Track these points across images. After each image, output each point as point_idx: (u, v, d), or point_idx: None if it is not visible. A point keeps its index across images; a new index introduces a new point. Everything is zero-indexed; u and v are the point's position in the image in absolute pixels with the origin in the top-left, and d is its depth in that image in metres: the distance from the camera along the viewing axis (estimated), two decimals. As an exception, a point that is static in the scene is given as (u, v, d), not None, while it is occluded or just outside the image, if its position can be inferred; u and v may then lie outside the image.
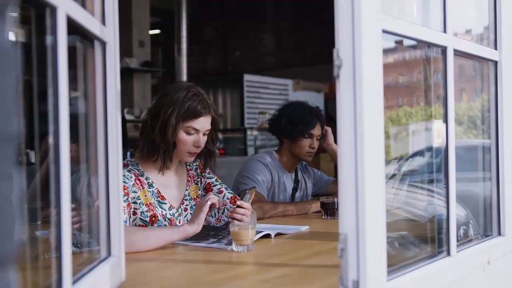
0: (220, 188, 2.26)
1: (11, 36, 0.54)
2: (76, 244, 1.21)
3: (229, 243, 1.82)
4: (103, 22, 1.26)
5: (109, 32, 1.28)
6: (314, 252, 1.81)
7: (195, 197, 2.23)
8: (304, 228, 2.23)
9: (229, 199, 2.23)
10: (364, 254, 1.08)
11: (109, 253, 1.28)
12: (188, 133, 2.05)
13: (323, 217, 2.53)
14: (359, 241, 1.08)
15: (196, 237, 1.97)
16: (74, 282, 1.02)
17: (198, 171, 2.27)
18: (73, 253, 0.99)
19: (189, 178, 2.23)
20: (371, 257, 1.09)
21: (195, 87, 2.09)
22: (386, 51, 1.18)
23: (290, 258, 1.71)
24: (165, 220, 2.08)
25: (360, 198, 1.08)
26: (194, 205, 2.19)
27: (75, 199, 1.05)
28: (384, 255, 1.14)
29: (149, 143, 2.06)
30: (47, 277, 1.02)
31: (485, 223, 1.75)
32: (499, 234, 1.70)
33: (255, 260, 1.69)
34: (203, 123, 2.06)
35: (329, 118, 4.55)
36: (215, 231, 2.04)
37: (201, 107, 2.04)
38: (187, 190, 2.20)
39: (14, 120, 0.53)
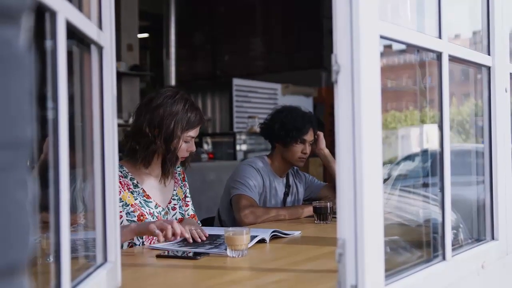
0: (189, 201, 2.38)
1: (26, 43, 0.54)
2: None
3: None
4: (100, 26, 1.26)
5: (105, 36, 1.27)
6: (309, 257, 1.81)
7: (182, 197, 2.32)
8: (297, 233, 2.22)
9: (189, 215, 2.34)
10: (362, 259, 1.08)
11: (105, 259, 1.27)
12: (186, 142, 2.16)
13: (315, 221, 2.53)
14: (358, 246, 1.08)
15: (193, 244, 1.95)
16: (72, 288, 1.01)
17: (181, 177, 2.36)
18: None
19: (176, 180, 2.32)
20: (369, 262, 1.09)
21: (186, 95, 2.19)
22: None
23: (286, 263, 1.71)
24: (153, 218, 2.13)
25: (359, 203, 1.08)
26: (182, 205, 2.29)
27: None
28: (382, 259, 1.14)
29: (151, 153, 2.12)
30: (44, 283, 1.01)
31: (479, 227, 1.76)
32: (493, 238, 1.71)
33: (250, 265, 1.69)
34: (198, 130, 2.20)
35: (318, 122, 4.54)
36: (211, 239, 2.02)
37: (199, 118, 2.18)
38: (174, 190, 2.29)
39: (29, 126, 0.52)
